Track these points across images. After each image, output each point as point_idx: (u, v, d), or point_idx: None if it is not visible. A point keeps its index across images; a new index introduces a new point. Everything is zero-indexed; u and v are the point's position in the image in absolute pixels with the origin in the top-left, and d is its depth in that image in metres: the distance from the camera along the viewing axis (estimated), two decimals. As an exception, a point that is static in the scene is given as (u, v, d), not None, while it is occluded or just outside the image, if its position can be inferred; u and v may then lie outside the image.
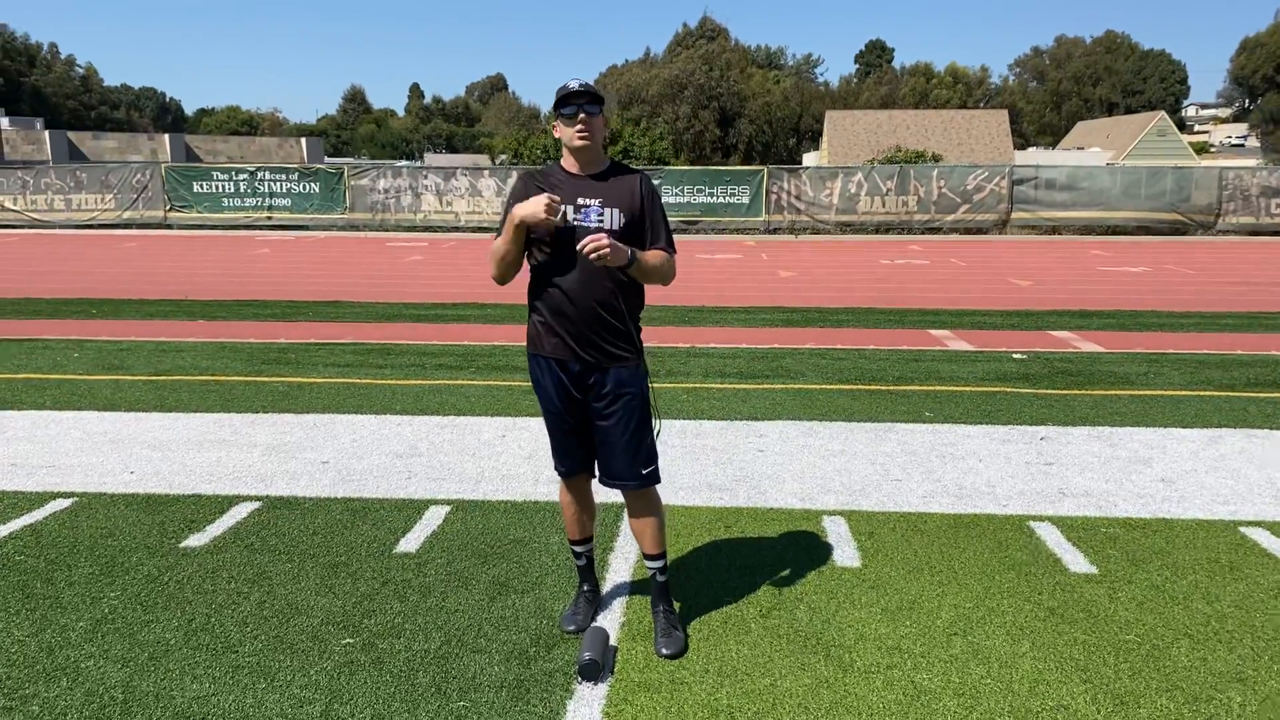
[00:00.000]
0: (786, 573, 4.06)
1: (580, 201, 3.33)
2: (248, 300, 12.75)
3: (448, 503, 4.92)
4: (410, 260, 18.63)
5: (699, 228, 24.18)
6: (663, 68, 68.56)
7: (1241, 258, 19.27)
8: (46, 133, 44.93)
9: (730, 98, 62.88)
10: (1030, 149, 72.45)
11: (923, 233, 24.23)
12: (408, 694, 3.11)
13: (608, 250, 3.15)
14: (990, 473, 5.44)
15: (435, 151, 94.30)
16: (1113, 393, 7.48)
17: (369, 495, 5.03)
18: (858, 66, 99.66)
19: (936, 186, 24.17)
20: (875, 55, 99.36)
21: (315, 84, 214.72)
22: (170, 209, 25.45)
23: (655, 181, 23.63)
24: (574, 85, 3.29)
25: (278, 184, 25.00)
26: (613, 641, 3.45)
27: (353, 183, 24.85)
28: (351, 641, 3.45)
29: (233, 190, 25.15)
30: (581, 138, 3.31)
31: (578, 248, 3.20)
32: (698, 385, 7.69)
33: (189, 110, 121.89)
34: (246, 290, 13.81)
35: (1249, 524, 4.62)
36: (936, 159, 36.79)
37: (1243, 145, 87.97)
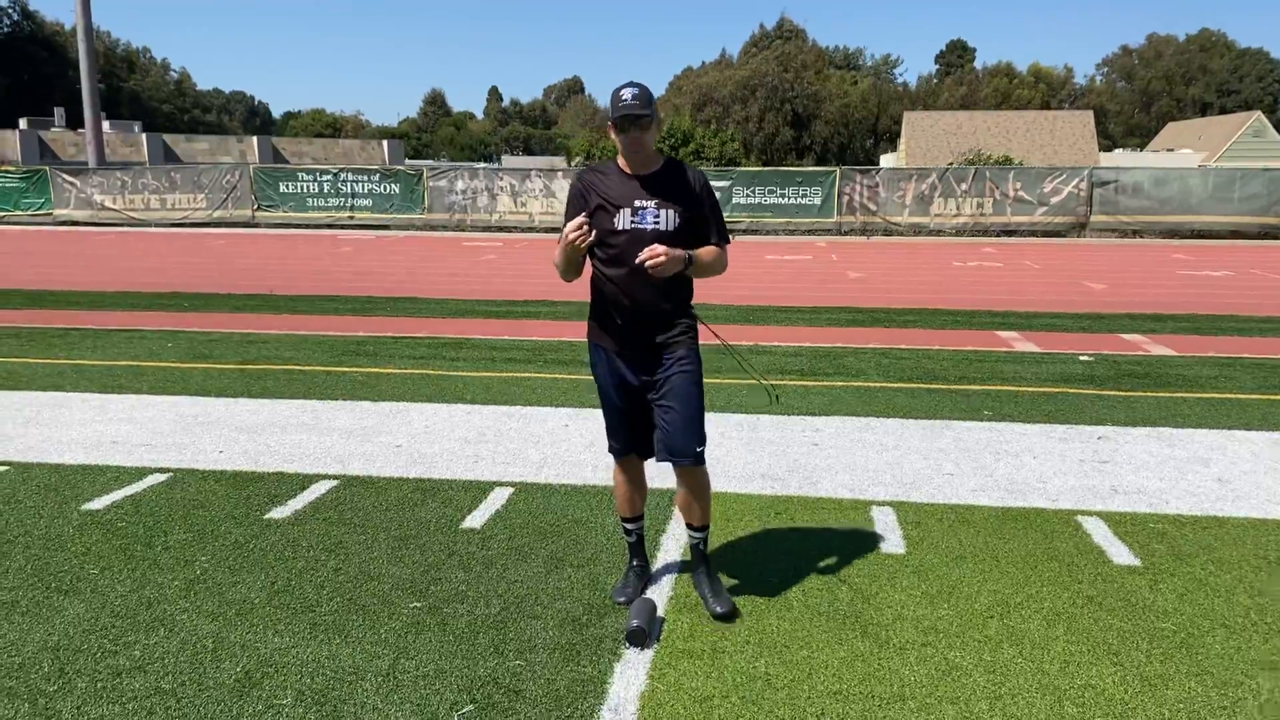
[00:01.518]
0: (832, 557, 4.22)
1: (637, 204, 3.54)
2: (328, 296, 13.27)
3: (512, 485, 5.18)
4: (485, 259, 19.09)
5: (770, 229, 24.24)
6: (736, 69, 68.56)
7: (1333, 263, 18.63)
8: (144, 135, 46.92)
9: (804, 99, 62.56)
10: (1117, 151, 70.55)
11: (998, 235, 23.92)
12: (468, 653, 3.36)
13: (664, 261, 3.37)
14: (1043, 469, 5.50)
15: (512, 154, 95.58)
16: (1179, 395, 7.42)
17: (438, 476, 5.32)
18: (938, 67, 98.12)
19: (1013, 189, 23.82)
20: (956, 55, 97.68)
21: (397, 87, 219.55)
22: (258, 208, 26.45)
23: (726, 183, 23.85)
24: (626, 95, 3.47)
25: (360, 185, 25.81)
26: (660, 613, 3.65)
27: (431, 184, 25.52)
28: (419, 605, 3.72)
29: (317, 191, 26.03)
30: (632, 146, 3.53)
31: (636, 261, 3.41)
32: (738, 382, 7.84)
33: (276, 113, 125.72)
34: (326, 286, 14.36)
35: (1303, 523, 4.63)
36: (1015, 162, 36.14)
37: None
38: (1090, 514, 4.77)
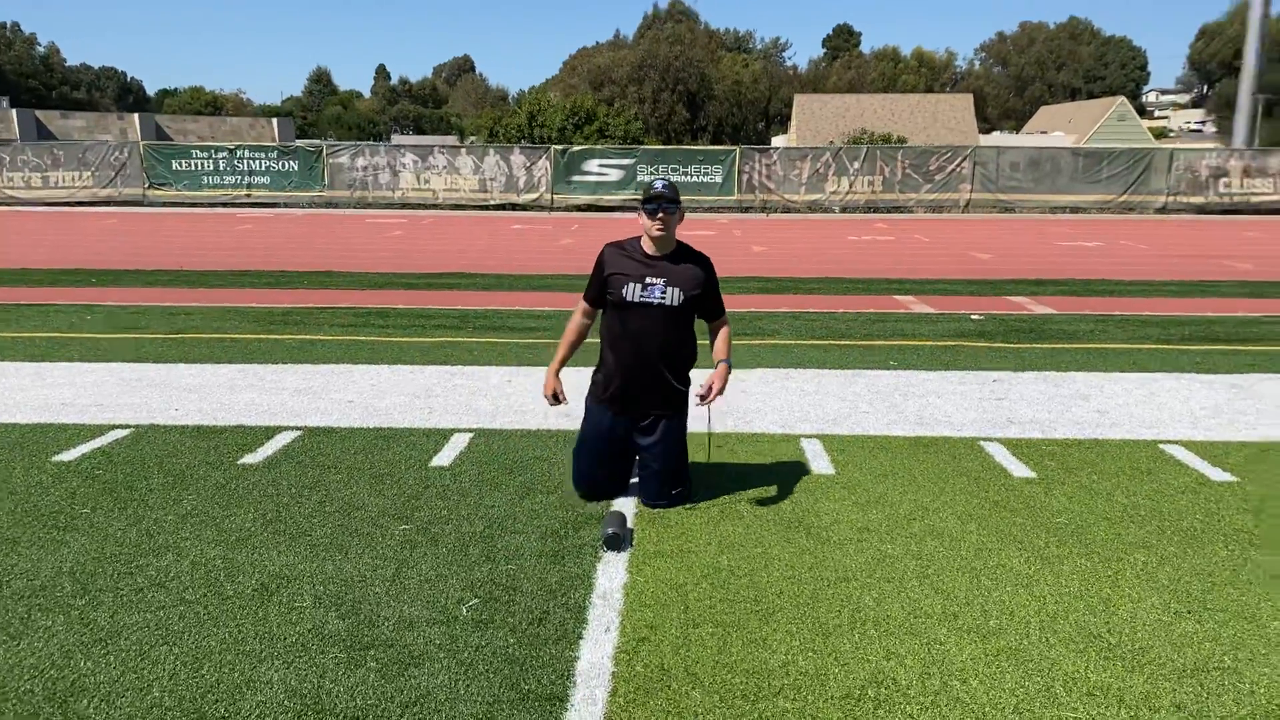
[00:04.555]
0: (772, 477, 4.73)
1: (648, 280, 4.20)
2: (242, 270, 13.21)
3: (470, 430, 5.53)
4: (393, 235, 19.10)
5: (672, 206, 24.77)
6: (630, 50, 68.95)
7: (1189, 234, 20.22)
8: (14, 111, 44.57)
9: (697, 80, 63.44)
10: (995, 133, 73.63)
11: (888, 211, 25.03)
12: (462, 562, 3.74)
13: (719, 393, 4.21)
14: (947, 406, 6.14)
15: (403, 133, 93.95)
16: (1060, 346, 8.22)
17: (397, 425, 5.63)
18: (825, 50, 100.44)
19: (901, 167, 24.96)
20: (843, 39, 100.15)
21: (279, 65, 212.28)
22: (149, 186, 25.65)
23: (630, 160, 24.29)
24: (659, 186, 4.13)
25: (257, 162, 25.31)
26: (629, 524, 4.09)
27: (331, 161, 25.21)
28: (408, 527, 4.07)
29: (212, 168, 25.41)
30: (659, 230, 4.17)
31: (702, 403, 4.19)
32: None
33: (150, 91, 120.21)
34: (238, 262, 14.25)
35: (1168, 442, 5.35)
36: (902, 141, 37.63)
37: (1200, 130, 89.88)
38: (991, 440, 5.41)
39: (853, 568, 3.70)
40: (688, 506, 4.34)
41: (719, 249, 17.02)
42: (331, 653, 3.04)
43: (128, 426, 5.57)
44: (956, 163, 24.81)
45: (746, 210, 24.75)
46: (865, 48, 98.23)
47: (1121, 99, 70.41)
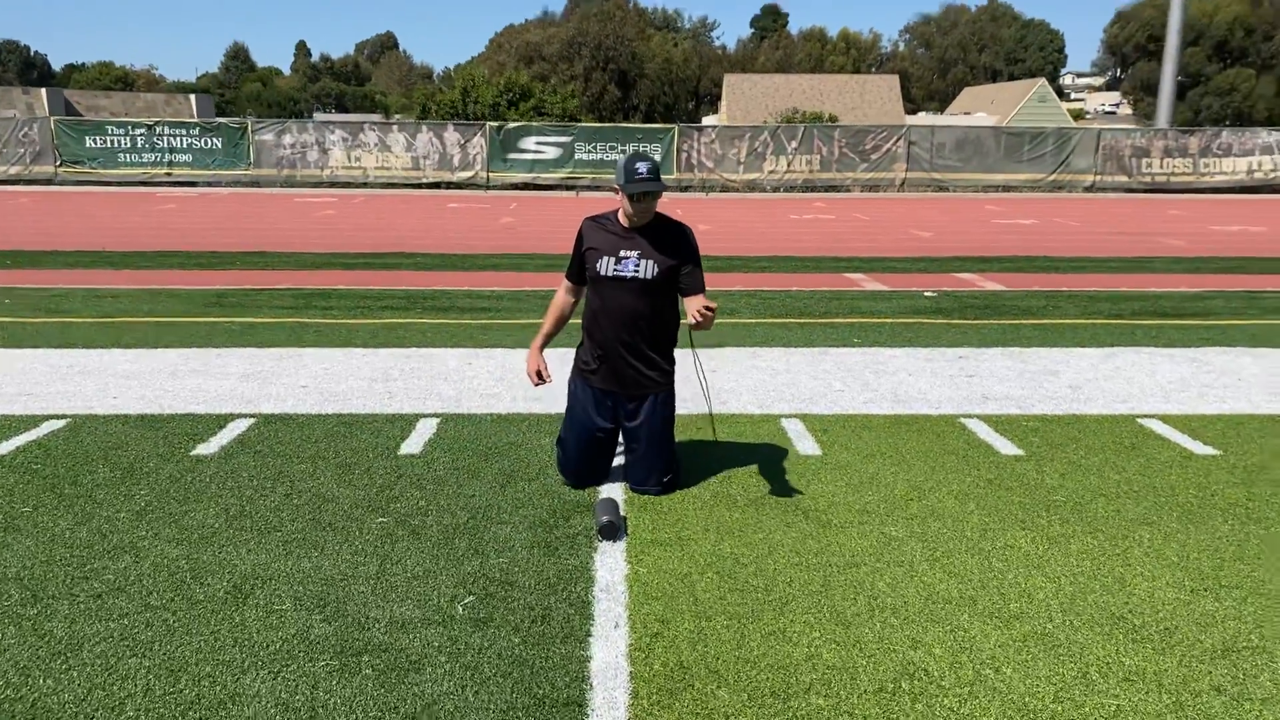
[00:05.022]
0: (758, 459, 4.58)
1: (622, 253, 4.00)
2: (169, 251, 12.60)
3: (436, 415, 5.27)
4: (324, 215, 18.49)
5: (612, 185, 24.47)
6: (560, 27, 68.10)
7: (1116, 212, 20.66)
8: (-92, 85, 42.06)
9: (628, 58, 62.98)
10: (920, 114, 74.68)
11: (825, 190, 25.11)
12: (449, 555, 3.50)
13: (712, 316, 3.83)
14: (919, 383, 6.06)
15: (325, 111, 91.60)
16: (1016, 322, 8.24)
17: (358, 411, 5.34)
18: (753, 30, 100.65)
19: (838, 146, 25.04)
20: (770, 20, 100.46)
21: (194, 40, 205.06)
22: (61, 164, 24.42)
23: (568, 138, 23.92)
24: (642, 170, 3.91)
25: (178, 139, 24.24)
26: (622, 511, 3.90)
27: (256, 138, 24.28)
28: (385, 520, 3.82)
29: (129, 145, 24.26)
30: (640, 213, 3.97)
31: (695, 316, 3.80)
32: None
33: (56, 66, 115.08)
34: (164, 242, 13.61)
35: (1144, 416, 5.35)
36: (834, 120, 37.85)
37: (1114, 112, 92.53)
38: (970, 416, 5.33)
39: (859, 552, 3.57)
40: (679, 489, 4.16)
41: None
42: (321, 660, 2.79)
43: (63, 416, 5.18)
44: (892, 142, 24.98)
45: (685, 189, 24.58)
46: (793, 28, 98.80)
47: (1042, 81, 71.90)
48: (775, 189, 24.83)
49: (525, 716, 2.55)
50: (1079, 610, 3.13)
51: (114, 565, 3.39)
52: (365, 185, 24.46)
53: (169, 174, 24.40)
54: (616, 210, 4.13)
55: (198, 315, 8.17)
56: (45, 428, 4.98)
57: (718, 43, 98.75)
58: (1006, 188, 25.32)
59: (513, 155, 24.35)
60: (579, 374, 4.21)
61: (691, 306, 3.93)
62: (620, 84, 62.59)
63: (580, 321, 4.24)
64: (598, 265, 4.02)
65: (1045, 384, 6.06)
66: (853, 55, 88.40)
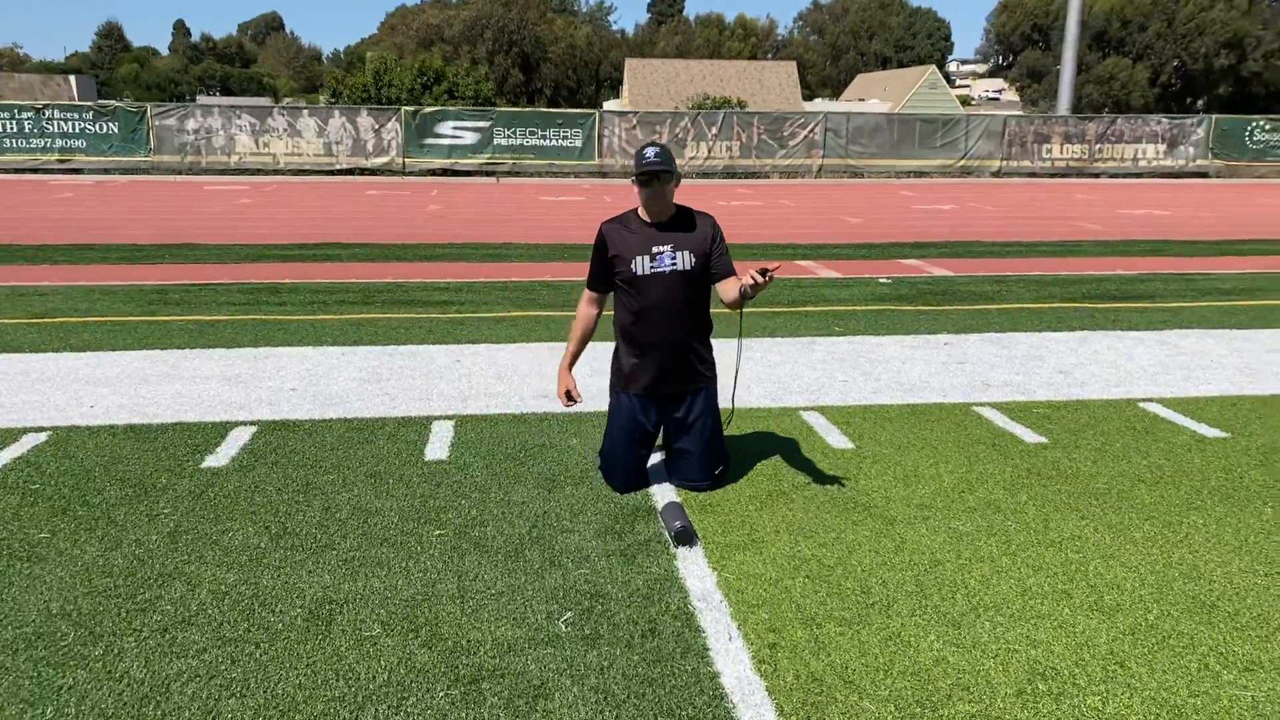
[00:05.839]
0: (796, 454, 4.54)
1: (655, 249, 3.89)
2: (82, 245, 11.86)
3: (448, 418, 5.06)
4: (241, 203, 17.71)
5: (533, 171, 24.18)
6: (460, 9, 66.76)
7: (1026, 197, 21.39)
8: None
9: (532, 42, 62.22)
10: (816, 100, 75.98)
11: (745, 177, 25.30)
12: (526, 569, 3.35)
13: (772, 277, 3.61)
14: (917, 371, 6.12)
15: (209, 93, 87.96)
16: (977, 307, 8.41)
17: (363, 415, 5.09)
18: (650, 15, 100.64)
19: (757, 133, 25.23)
20: (667, 5, 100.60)
21: (61, 16, 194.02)
22: (-65, 150, 22.76)
23: (486, 123, 23.47)
24: (650, 156, 3.83)
25: (69, 124, 22.82)
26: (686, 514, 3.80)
27: (157, 123, 23.06)
28: (442, 533, 3.64)
29: (15, 130, 22.72)
30: (654, 202, 3.87)
31: (768, 277, 3.56)
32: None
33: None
34: (74, 235, 12.81)
35: (1142, 400, 5.51)
36: (742, 105, 38.16)
37: (998, 99, 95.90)
38: (982, 405, 5.41)
39: (936, 549, 3.56)
40: (726, 489, 4.09)
41: (596, 216, 16.63)
42: (439, 689, 2.63)
43: (42, 429, 4.79)
44: (809, 129, 25.31)
45: (607, 175, 24.43)
46: (689, 13, 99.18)
47: (932, 68, 73.91)
48: (698, 175, 24.88)
49: (677, 740, 2.44)
50: (1171, 600, 3.18)
51: (167, 594, 3.14)
52: (276, 172, 23.52)
53: (61, 160, 22.99)
54: (635, 209, 4.02)
55: (143, 314, 7.70)
56: (27, 442, 4.60)
57: (615, 27, 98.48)
58: (918, 173, 25.96)
59: (429, 140, 23.76)
60: (620, 384, 4.09)
61: (734, 286, 3.87)
62: (524, 68, 61.80)
63: (616, 328, 4.11)
64: (632, 266, 3.91)
65: (1035, 369, 6.19)
66: (750, 42, 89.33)
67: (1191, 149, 26.99)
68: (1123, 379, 5.96)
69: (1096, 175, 26.64)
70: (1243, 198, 21.36)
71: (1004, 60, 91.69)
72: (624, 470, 4.05)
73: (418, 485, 4.12)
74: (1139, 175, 26.89)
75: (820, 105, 66.10)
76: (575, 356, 4.16)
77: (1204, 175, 27.01)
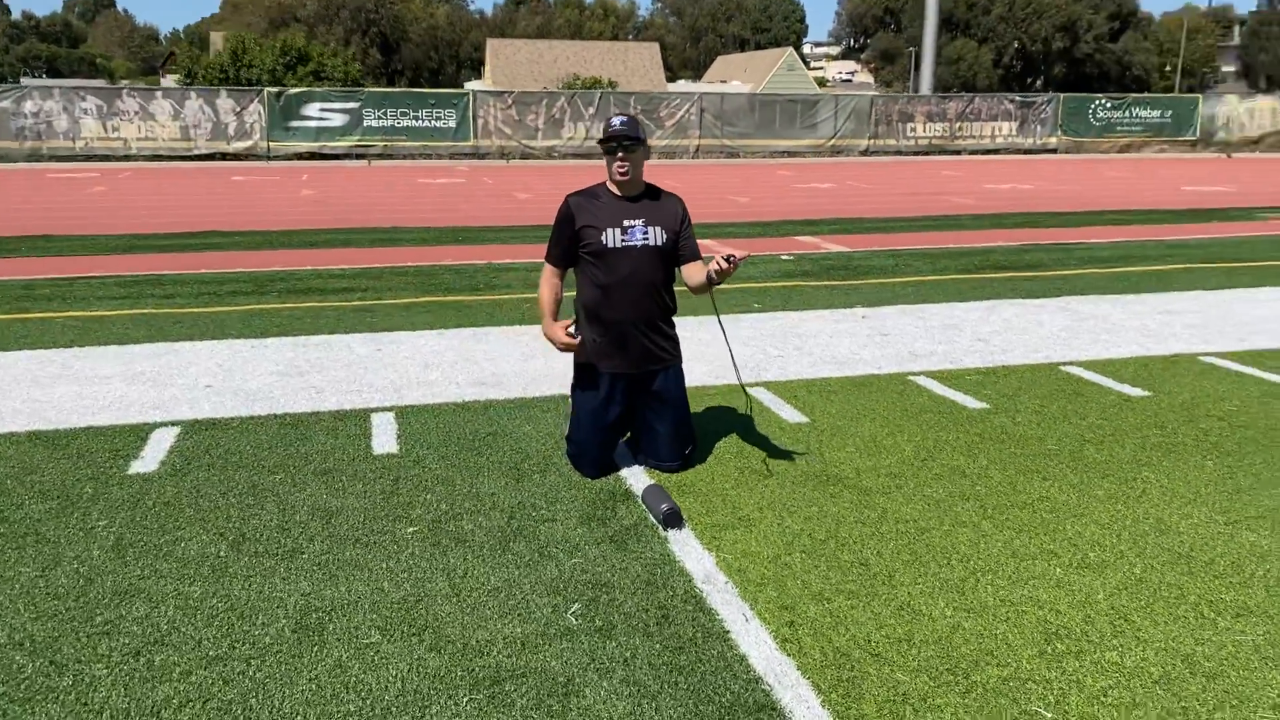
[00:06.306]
0: (754, 430, 4.51)
1: (626, 223, 3.79)
2: (-75, 238, 10.83)
3: (386, 409, 4.82)
4: (94, 191, 16.55)
5: (406, 152, 23.47)
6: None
7: (897, 175, 22.13)
8: None
9: (390, 22, 60.41)
10: (680, 81, 76.61)
11: (621, 157, 25.24)
12: (517, 562, 3.20)
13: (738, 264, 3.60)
14: (845, 344, 6.20)
15: (34, 76, 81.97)
16: (880, 281, 8.62)
17: (293, 410, 4.80)
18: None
19: (634, 113, 25.20)
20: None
21: None
22: None
23: (355, 104, 22.66)
24: (617, 124, 3.76)
25: (-115, 107, 20.84)
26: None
27: (-12, 106, 21.31)
28: (416, 530, 3.45)
29: None
30: (621, 173, 3.77)
31: (738, 260, 3.56)
32: (506, 297, 7.83)
33: None
34: (-86, 227, 11.70)
35: (1064, 364, 5.73)
36: (613, 86, 38.09)
37: (850, 80, 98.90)
38: (915, 374, 5.51)
39: (918, 517, 3.59)
40: (697, 469, 4.03)
41: (477, 196, 16.32)
42: (460, 695, 2.47)
43: (-69, 441, 4.31)
44: (685, 110, 25.45)
45: (484, 156, 23.95)
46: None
47: (790, 50, 75.54)
48: (575, 155, 24.69)
49: (723, 728, 2.37)
50: (1150, 554, 3.29)
51: (129, 613, 2.85)
52: (127, 158, 22.09)
53: (-122, 147, 20.97)
54: (603, 182, 3.92)
55: (13, 312, 7.08)
56: (-85, 456, 4.13)
57: (474, 7, 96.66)
58: (791, 153, 26.50)
59: (295, 123, 22.76)
60: (583, 364, 3.96)
61: (700, 270, 3.83)
62: (384, 49, 59.96)
63: (578, 306, 3.98)
64: (601, 239, 3.79)
65: (954, 338, 6.36)
66: (611, 22, 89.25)
67: (1040, 126, 28.46)
68: (1039, 344, 6.19)
69: (958, 153, 27.79)
70: (1089, 172, 22.68)
71: (855, 43, 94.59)
72: (595, 455, 3.94)
73: (374, 481, 3.89)
74: (995, 151, 28.20)
75: (684, 86, 66.65)
76: (554, 314, 3.95)
77: (1053, 151, 28.54)
